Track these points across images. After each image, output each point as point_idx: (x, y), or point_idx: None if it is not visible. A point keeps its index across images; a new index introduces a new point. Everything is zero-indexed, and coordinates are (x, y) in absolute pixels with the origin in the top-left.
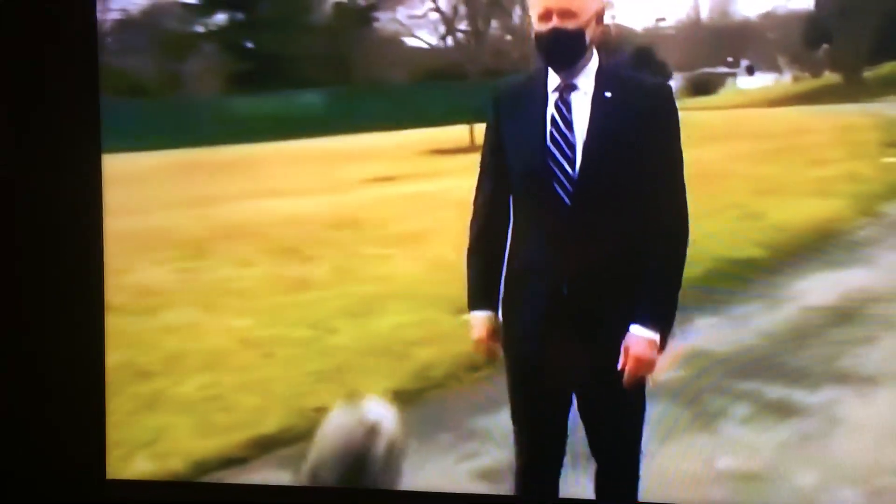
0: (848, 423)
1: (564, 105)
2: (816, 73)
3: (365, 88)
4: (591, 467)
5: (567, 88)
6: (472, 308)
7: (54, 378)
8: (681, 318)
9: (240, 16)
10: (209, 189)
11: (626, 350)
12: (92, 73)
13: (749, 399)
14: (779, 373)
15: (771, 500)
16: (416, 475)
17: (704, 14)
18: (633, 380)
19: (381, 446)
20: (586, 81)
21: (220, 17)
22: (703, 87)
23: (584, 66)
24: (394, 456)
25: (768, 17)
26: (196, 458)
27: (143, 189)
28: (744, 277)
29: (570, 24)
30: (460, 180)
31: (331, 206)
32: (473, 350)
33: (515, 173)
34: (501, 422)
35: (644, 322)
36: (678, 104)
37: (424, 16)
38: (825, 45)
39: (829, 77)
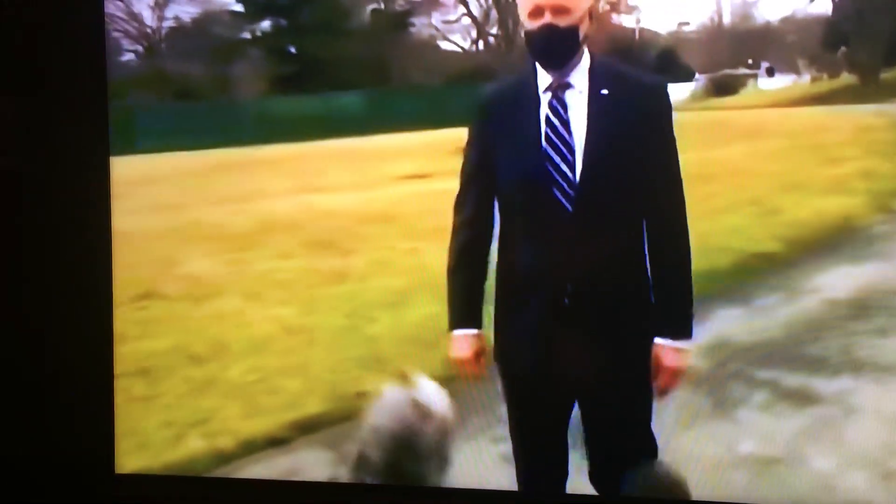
0: (864, 411)
1: (560, 104)
2: (834, 75)
3: (401, 90)
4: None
5: (561, 87)
6: (455, 326)
7: (63, 373)
8: (704, 309)
9: (283, 22)
10: (254, 185)
11: (660, 364)
12: (100, 72)
13: (769, 387)
14: (798, 362)
15: (789, 483)
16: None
17: (726, 18)
18: (669, 391)
19: (431, 429)
20: (580, 79)
21: (265, 24)
22: (724, 88)
23: (577, 63)
24: (444, 440)
25: (788, 20)
26: (243, 437)
27: (194, 185)
28: (764, 270)
29: (563, 21)
30: None
31: (367, 201)
32: (456, 370)
33: (508, 181)
34: None
35: (672, 334)
36: (702, 104)
37: (457, 21)
38: (843, 48)
39: (847, 78)
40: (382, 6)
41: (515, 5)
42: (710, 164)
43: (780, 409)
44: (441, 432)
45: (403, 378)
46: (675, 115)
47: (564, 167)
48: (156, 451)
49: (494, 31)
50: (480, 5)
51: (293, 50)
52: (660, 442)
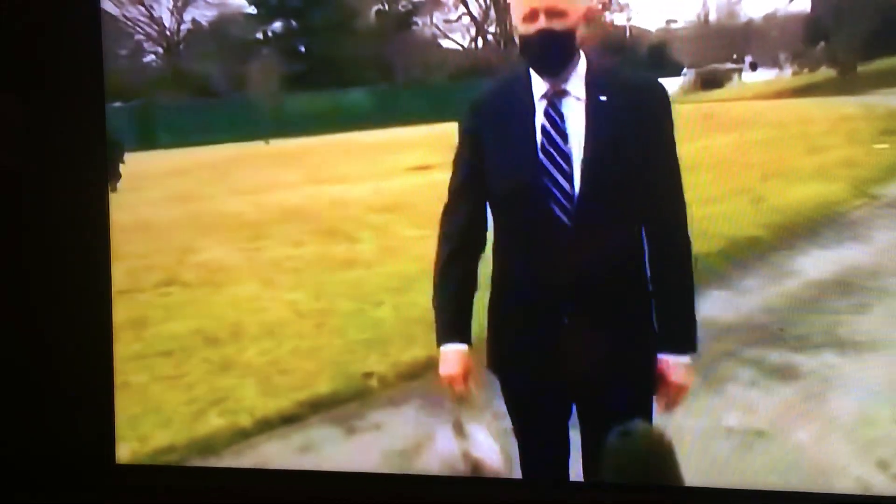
0: (843, 385)
1: (556, 113)
2: (814, 69)
3: (405, 86)
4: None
5: (557, 94)
6: (443, 341)
7: (63, 366)
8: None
9: (294, 23)
10: (267, 177)
11: (665, 380)
12: (97, 68)
13: (754, 364)
14: (782, 340)
15: (773, 452)
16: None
17: (712, 16)
18: (674, 407)
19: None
20: (577, 86)
21: (277, 25)
22: (711, 81)
23: (574, 69)
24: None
25: (770, 18)
26: (259, 414)
27: (212, 178)
28: (751, 254)
29: (559, 25)
30: None
31: (374, 192)
32: (444, 386)
33: (502, 194)
34: None
35: (677, 349)
36: (689, 98)
37: (458, 20)
38: (822, 43)
39: (826, 72)
40: (386, 7)
41: None
42: (698, 155)
43: (765, 384)
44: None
45: (458, 428)
46: None
47: (562, 180)
48: (179, 427)
49: (493, 29)
50: (479, 5)
51: (303, 49)
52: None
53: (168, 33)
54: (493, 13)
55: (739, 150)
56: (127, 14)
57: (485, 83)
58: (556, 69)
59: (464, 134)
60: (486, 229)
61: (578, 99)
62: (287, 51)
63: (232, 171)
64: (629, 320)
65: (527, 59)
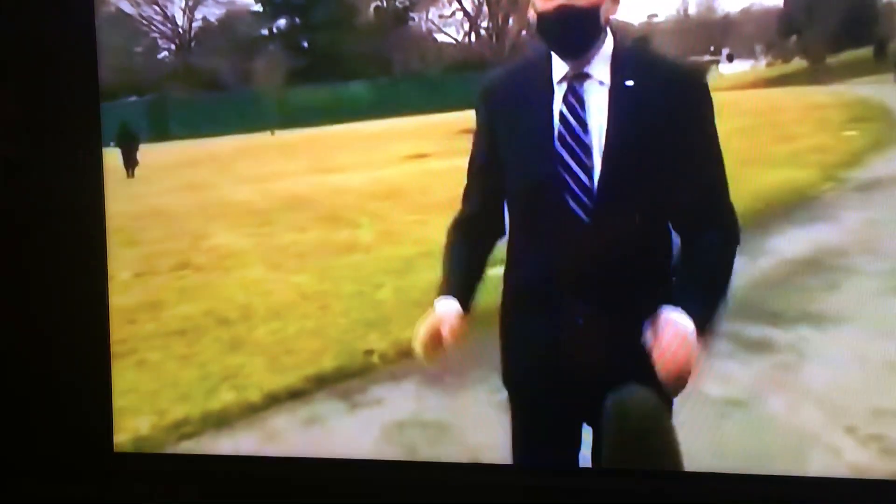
0: (816, 356)
1: (576, 99)
2: (787, 60)
3: (403, 79)
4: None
5: (578, 78)
6: (445, 293)
7: (61, 354)
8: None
9: (297, 20)
10: (273, 167)
11: (655, 337)
12: (91, 62)
13: (732, 338)
14: (758, 315)
15: (750, 420)
16: (452, 404)
17: (691, 10)
18: (671, 380)
19: None
20: (601, 69)
21: (281, 22)
22: None
23: (598, 50)
24: None
25: (746, 12)
26: (267, 390)
27: (221, 167)
28: None
29: (581, 0)
30: None
31: (374, 180)
32: (424, 341)
33: (516, 184)
34: None
35: (685, 304)
36: None
37: (452, 15)
38: (794, 36)
39: (798, 63)
40: (384, 3)
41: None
42: None
43: (742, 356)
44: None
45: None
46: None
47: (580, 172)
48: (194, 401)
49: (485, 24)
50: (473, 1)
51: (306, 45)
52: None
53: (180, 31)
54: (485, 8)
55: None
56: (143, 13)
57: (493, 72)
58: (578, 50)
59: (479, 112)
60: (502, 218)
61: (602, 83)
62: (291, 46)
63: (240, 161)
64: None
65: (545, 38)
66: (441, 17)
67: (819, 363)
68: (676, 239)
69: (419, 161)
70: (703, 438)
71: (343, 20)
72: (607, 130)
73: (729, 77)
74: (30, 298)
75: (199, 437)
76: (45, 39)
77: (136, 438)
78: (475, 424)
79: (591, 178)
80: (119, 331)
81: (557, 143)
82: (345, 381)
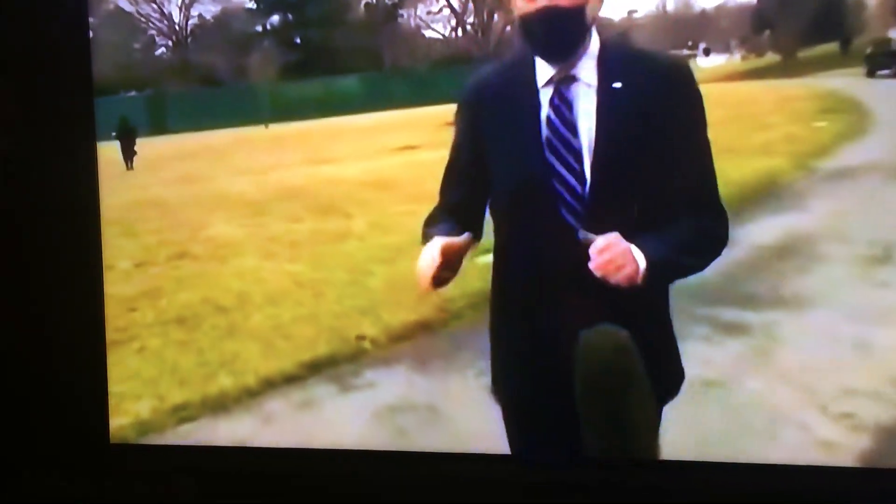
0: (788, 338)
1: (563, 102)
2: (761, 54)
3: (392, 73)
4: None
5: (565, 81)
6: (431, 233)
7: (57, 348)
8: None
9: (290, 17)
10: (268, 159)
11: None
12: (85, 56)
13: (707, 321)
14: (732, 299)
15: (726, 399)
16: (440, 388)
17: (670, 6)
18: (600, 267)
19: None
20: (588, 70)
21: (275, 18)
22: None
23: (584, 51)
24: None
25: (721, 8)
26: (263, 375)
27: (217, 159)
28: None
29: (566, 0)
30: None
31: (365, 171)
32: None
33: (503, 191)
34: None
35: (644, 240)
36: None
37: (439, 12)
38: (767, 31)
39: (771, 57)
40: (375, 0)
41: None
42: None
43: (718, 339)
44: None
45: None
46: None
47: (571, 179)
48: (194, 387)
49: (471, 20)
50: None
51: (299, 40)
52: None
53: (177, 28)
54: (471, 5)
55: None
56: (141, 11)
57: (473, 75)
58: (565, 52)
59: (463, 118)
60: (478, 224)
61: (589, 85)
62: (284, 42)
63: (235, 153)
64: (646, 340)
65: (529, 41)
66: (429, 13)
67: (791, 344)
68: None
69: (408, 152)
70: (681, 419)
71: (335, 17)
72: (597, 133)
73: (706, 70)
74: (26, 293)
75: (197, 420)
76: (40, 35)
77: (138, 422)
78: (464, 407)
79: (582, 184)
80: (120, 319)
81: (547, 151)
82: (338, 365)
